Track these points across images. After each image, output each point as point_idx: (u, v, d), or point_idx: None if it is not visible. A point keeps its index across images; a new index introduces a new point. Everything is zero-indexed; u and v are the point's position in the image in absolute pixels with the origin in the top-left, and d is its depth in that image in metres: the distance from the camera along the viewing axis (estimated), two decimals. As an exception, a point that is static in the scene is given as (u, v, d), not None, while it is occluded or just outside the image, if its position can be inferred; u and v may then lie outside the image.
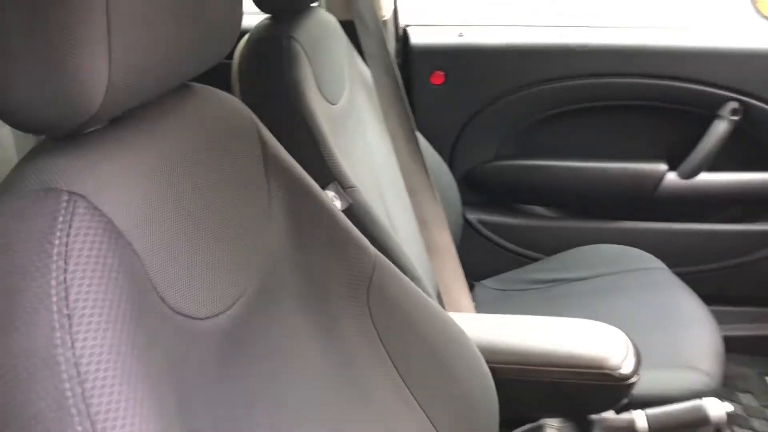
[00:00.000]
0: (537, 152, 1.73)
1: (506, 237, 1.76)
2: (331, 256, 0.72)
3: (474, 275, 1.51)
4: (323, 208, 0.71)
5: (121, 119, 0.48)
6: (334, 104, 1.18)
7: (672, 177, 1.67)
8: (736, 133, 1.63)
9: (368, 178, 1.19)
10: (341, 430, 0.66)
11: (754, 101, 1.60)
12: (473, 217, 1.75)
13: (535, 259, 1.65)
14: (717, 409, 0.99)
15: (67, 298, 0.39)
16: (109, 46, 0.41)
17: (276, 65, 1.05)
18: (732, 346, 1.67)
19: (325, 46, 1.19)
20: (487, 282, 1.59)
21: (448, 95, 1.65)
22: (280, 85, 1.05)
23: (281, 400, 0.61)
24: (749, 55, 1.61)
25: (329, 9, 1.46)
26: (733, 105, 1.60)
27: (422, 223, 1.23)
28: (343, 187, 1.05)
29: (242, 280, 0.59)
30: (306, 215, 0.70)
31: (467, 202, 1.66)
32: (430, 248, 1.24)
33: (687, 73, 1.61)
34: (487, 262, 1.66)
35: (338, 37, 1.29)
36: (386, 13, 1.58)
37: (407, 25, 1.70)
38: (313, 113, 1.04)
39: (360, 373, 0.72)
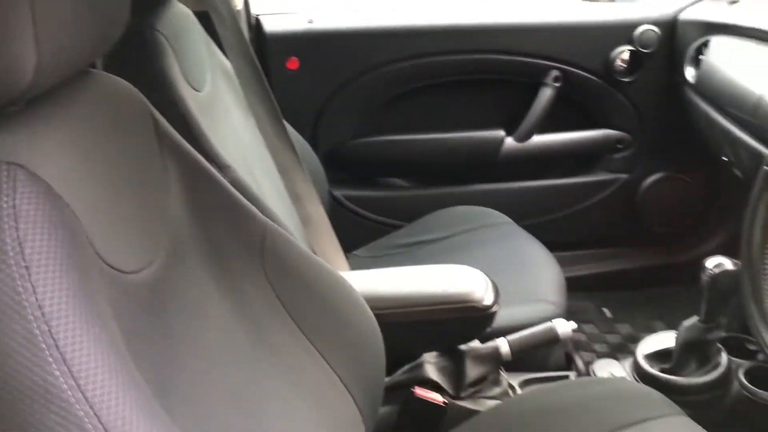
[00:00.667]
0: (392, 128, 1.87)
1: (371, 209, 1.89)
2: (225, 225, 0.79)
3: (345, 248, 1.62)
4: (213, 181, 0.78)
5: (37, 99, 0.54)
6: (199, 91, 1.23)
7: (510, 141, 1.88)
8: (559, 98, 1.85)
9: (239, 160, 1.26)
10: (255, 380, 0.74)
11: (571, 68, 1.83)
12: (339, 193, 1.86)
13: (400, 227, 1.79)
14: (564, 327, 1.17)
15: (22, 252, 0.46)
16: (34, 26, 0.46)
17: (141, 56, 1.10)
18: (573, 286, 1.90)
19: (185, 37, 1.24)
20: (359, 252, 1.70)
21: (304, 79, 1.75)
22: (148, 74, 1.09)
23: (200, 354, 0.67)
24: (566, 28, 1.85)
25: (182, 1, 1.50)
26: (555, 73, 1.82)
27: (296, 198, 1.32)
28: (219, 167, 1.11)
29: (155, 243, 0.65)
30: (199, 188, 0.77)
31: (332, 180, 1.77)
32: (305, 221, 1.33)
33: (515, 47, 1.81)
34: (356, 235, 1.76)
35: (195, 28, 1.34)
36: (238, 4, 1.64)
37: (259, 14, 1.77)
38: (182, 99, 1.10)
39: (264, 329, 0.80)
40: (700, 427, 0.97)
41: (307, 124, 1.77)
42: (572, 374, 1.33)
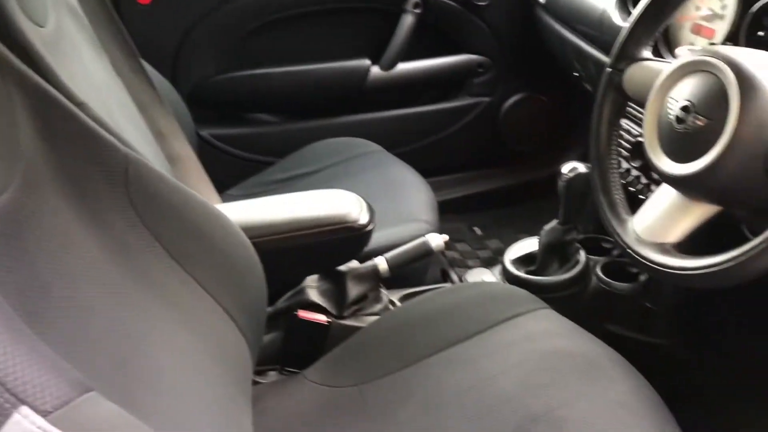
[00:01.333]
0: (256, 62, 1.84)
1: (241, 147, 1.86)
2: (84, 156, 0.76)
3: (218, 189, 1.60)
4: (66, 111, 0.75)
5: None
6: (42, 27, 1.15)
7: (376, 70, 1.90)
8: (421, 25, 1.89)
9: (95, 98, 1.20)
10: (133, 312, 0.73)
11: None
12: (206, 132, 1.82)
13: (272, 163, 1.78)
14: (437, 240, 1.23)
15: None
16: None
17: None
18: (445, 208, 1.98)
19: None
20: (232, 191, 1.69)
21: (158, 14, 1.67)
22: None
23: (70, 284, 0.65)
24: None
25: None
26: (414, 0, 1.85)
27: (159, 136, 1.28)
28: (73, 104, 1.06)
29: (5, 170, 0.62)
30: (50, 118, 0.73)
31: (198, 119, 1.72)
32: (172, 160, 1.29)
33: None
34: (228, 174, 1.74)
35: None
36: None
37: (101, -53, 1.66)
38: (24, 33, 1.03)
39: (137, 261, 0.77)
40: (562, 317, 1.06)
41: (165, 61, 1.71)
42: (448, 286, 1.41)
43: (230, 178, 1.70)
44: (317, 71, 1.87)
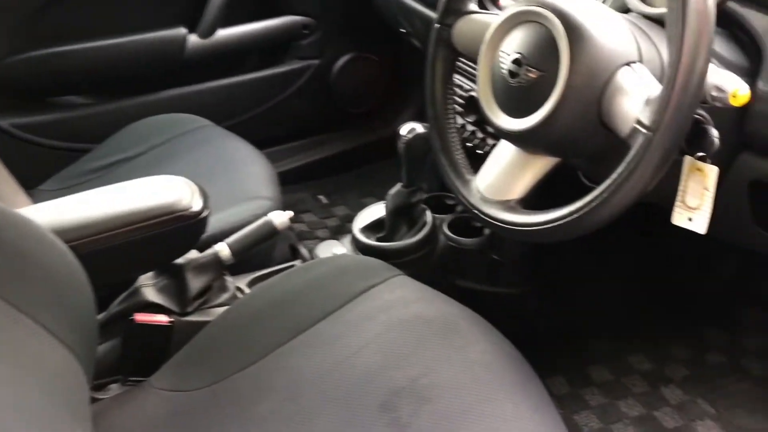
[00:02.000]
0: (56, 39, 1.64)
1: (50, 135, 1.68)
2: None
3: (28, 185, 1.43)
4: None
5: None
6: None
7: (194, 39, 1.77)
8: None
9: None
10: None
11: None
12: (5, 123, 1.61)
13: (89, 150, 1.62)
14: (281, 218, 1.17)
15: None
16: None
17: None
18: (287, 179, 1.92)
19: None
20: (45, 186, 1.52)
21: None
22: None
23: None
24: None
25: None
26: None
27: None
28: None
29: None
30: None
31: (-7, 109, 1.52)
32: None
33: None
34: (38, 168, 1.56)
35: None
36: None
37: None
38: None
39: None
40: (416, 282, 1.05)
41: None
42: (298, 263, 1.36)
43: (41, 172, 1.53)
44: (128, 44, 1.71)
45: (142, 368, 1.00)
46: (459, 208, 1.46)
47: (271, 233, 1.17)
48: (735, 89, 0.68)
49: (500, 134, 0.84)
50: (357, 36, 2.00)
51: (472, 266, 1.36)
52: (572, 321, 1.46)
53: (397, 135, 1.25)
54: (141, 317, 1.02)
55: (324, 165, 2.07)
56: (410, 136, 1.23)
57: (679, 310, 1.51)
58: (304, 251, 1.54)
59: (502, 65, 0.80)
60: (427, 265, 1.31)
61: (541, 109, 0.76)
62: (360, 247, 1.31)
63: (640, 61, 0.75)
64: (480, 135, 1.26)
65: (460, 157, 0.94)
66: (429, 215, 1.33)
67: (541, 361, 1.40)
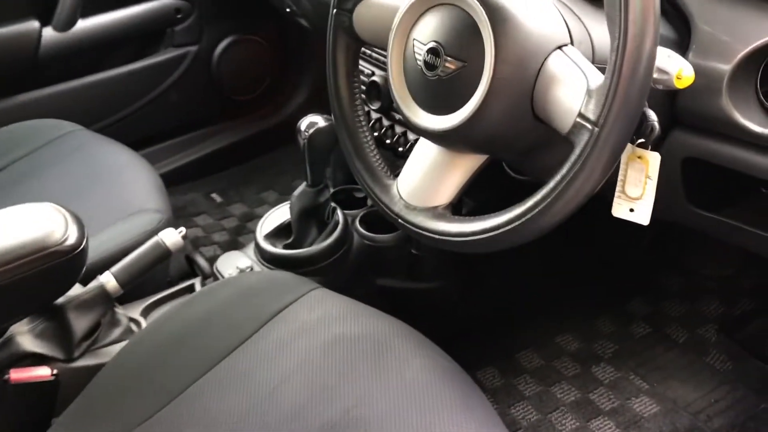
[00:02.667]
0: None
1: None
2: None
3: None
4: None
5: None
6: None
7: (49, 33, 1.57)
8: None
9: None
10: None
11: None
12: None
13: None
14: (172, 237, 1.05)
15: None
16: None
17: None
18: (174, 180, 1.78)
19: None
20: None
21: None
22: None
23: None
24: None
25: None
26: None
27: None
28: None
29: None
30: None
31: None
32: None
33: None
34: None
35: None
36: None
37: None
38: None
39: None
40: (337, 295, 0.97)
41: None
42: (197, 280, 1.24)
43: None
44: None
45: (27, 432, 0.86)
46: (369, 202, 1.37)
47: (163, 256, 1.05)
48: (679, 69, 0.63)
49: (421, 134, 0.75)
50: (238, 17, 1.86)
51: (390, 263, 1.28)
52: (497, 309, 1.42)
53: (296, 129, 1.14)
54: (17, 374, 0.88)
55: (213, 160, 1.93)
56: (312, 131, 1.12)
57: (601, 283, 1.50)
58: (203, 263, 1.41)
59: (417, 56, 0.72)
60: (343, 269, 1.22)
61: (466, 104, 0.68)
62: (266, 257, 1.20)
63: (571, 43, 0.68)
64: (399, 130, 1.18)
65: (375, 159, 0.85)
66: (340, 214, 1.23)
67: (471, 355, 1.36)
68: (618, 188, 0.76)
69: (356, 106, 0.86)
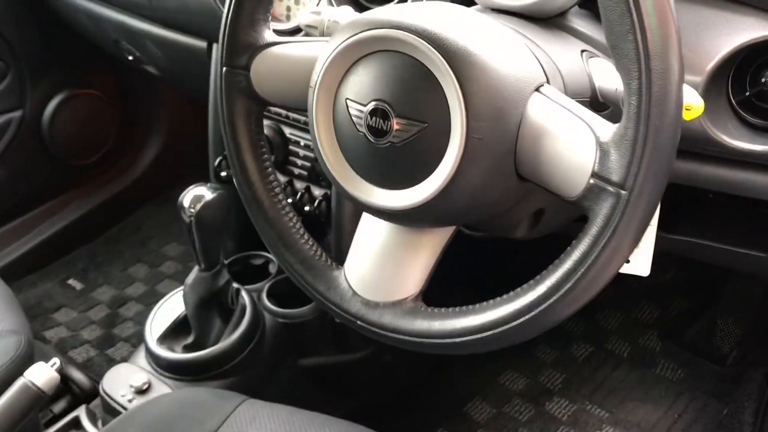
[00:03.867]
0: None
1: None
2: None
3: None
4: None
5: None
6: None
7: None
8: None
9: None
10: None
11: None
12: None
13: None
14: (44, 373, 0.83)
15: None
16: None
17: None
18: (20, 272, 1.53)
19: None
20: None
21: None
22: None
23: None
24: None
25: None
26: None
27: None
28: None
29: None
30: None
31: None
32: None
33: None
34: None
35: None
36: None
37: None
38: None
39: None
40: (267, 404, 0.81)
41: None
42: (81, 411, 1.01)
43: None
44: None
45: None
46: (273, 268, 1.20)
47: (35, 401, 0.83)
48: (688, 102, 0.52)
49: (373, 213, 0.60)
50: (67, 71, 1.60)
51: (312, 338, 1.12)
52: (433, 365, 1.30)
53: (179, 206, 0.95)
54: None
55: (62, 240, 1.67)
56: (198, 207, 0.94)
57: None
58: (80, 379, 1.19)
59: (356, 120, 0.57)
60: (259, 360, 1.05)
61: (433, 174, 0.54)
62: (164, 366, 1.00)
63: (547, 81, 0.56)
64: (317, 193, 1.02)
65: (308, 245, 0.68)
66: (245, 296, 1.06)
67: (416, 419, 1.22)
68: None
69: (270, 182, 0.70)
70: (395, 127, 0.55)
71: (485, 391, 1.28)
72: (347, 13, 0.71)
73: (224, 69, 0.68)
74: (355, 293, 0.64)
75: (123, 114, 1.73)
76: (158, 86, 1.65)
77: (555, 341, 1.36)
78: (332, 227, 1.05)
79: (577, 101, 0.55)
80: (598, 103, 0.64)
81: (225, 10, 0.67)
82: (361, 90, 0.57)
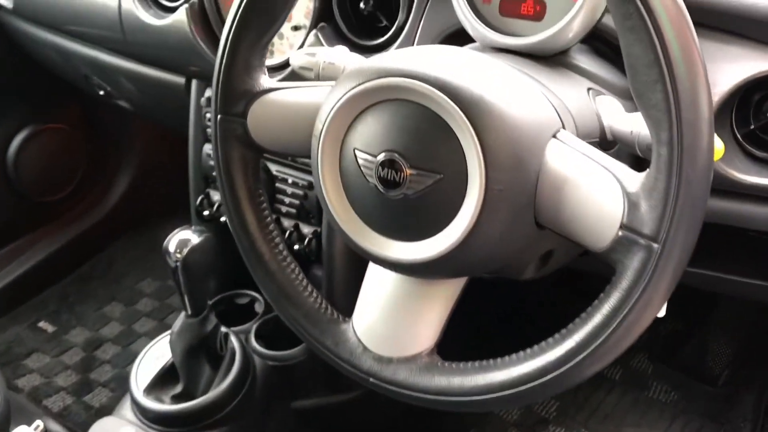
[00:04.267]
0: None
1: None
2: None
3: None
4: None
5: None
6: None
7: None
8: None
9: None
10: None
11: None
12: None
13: None
14: (29, 438, 0.79)
15: None
16: None
17: None
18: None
19: None
20: None
21: None
22: None
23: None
24: None
25: None
26: None
27: None
28: None
29: None
30: None
31: None
32: None
33: None
34: None
35: None
36: None
37: None
38: None
39: None
40: None
41: None
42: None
43: None
44: None
45: None
46: (259, 308, 1.17)
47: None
48: (710, 144, 0.51)
49: (385, 266, 0.58)
50: (33, 105, 1.55)
51: (305, 380, 1.09)
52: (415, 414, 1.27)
53: (165, 251, 0.91)
54: None
55: (31, 280, 1.61)
56: (185, 252, 0.90)
57: (512, 333, 1.40)
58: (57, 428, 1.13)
59: (365, 171, 0.54)
60: (251, 406, 1.01)
61: (450, 226, 0.52)
62: (152, 418, 0.96)
63: (562, 125, 0.55)
64: (307, 231, 0.99)
65: (312, 297, 0.66)
66: (235, 341, 1.02)
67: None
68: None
69: (270, 233, 0.67)
70: (409, 178, 0.53)
71: (480, 423, 1.26)
72: (343, 54, 0.69)
73: (219, 116, 0.65)
74: (365, 348, 0.62)
75: (92, 147, 1.68)
76: (129, 118, 1.61)
77: (546, 367, 1.35)
78: (323, 265, 1.03)
79: (589, 142, 0.54)
80: (607, 142, 0.63)
81: (219, 56, 0.64)
82: (370, 140, 0.54)
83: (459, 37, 0.77)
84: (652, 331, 1.37)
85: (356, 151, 0.55)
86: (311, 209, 1.01)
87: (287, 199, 1.03)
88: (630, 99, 0.69)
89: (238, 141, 0.66)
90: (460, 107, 0.51)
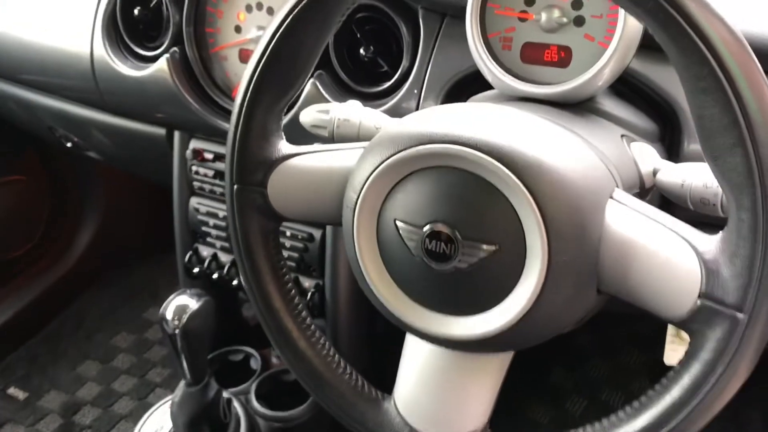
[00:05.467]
0: None
1: None
2: None
3: None
4: None
5: None
6: None
7: None
8: None
9: None
10: None
11: None
12: None
13: None
14: None
15: None
16: None
17: None
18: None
19: None
20: None
21: None
22: None
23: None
24: None
25: None
26: None
27: None
28: None
29: None
30: None
31: None
32: None
33: None
34: None
35: None
36: None
37: None
38: None
39: None
40: None
41: None
42: None
43: None
44: None
45: None
46: (255, 364, 1.12)
47: None
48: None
49: (433, 342, 0.55)
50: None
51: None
52: None
53: (162, 318, 0.86)
54: None
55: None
56: (185, 318, 0.85)
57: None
58: None
59: (409, 243, 0.51)
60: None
61: (510, 299, 0.49)
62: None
63: (618, 184, 0.53)
64: (308, 284, 0.95)
65: (346, 373, 0.61)
66: (239, 407, 0.97)
67: None
68: (670, 330, 0.61)
69: (295, 307, 0.63)
70: (460, 251, 0.50)
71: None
72: (357, 109, 0.66)
73: (236, 187, 0.61)
74: (412, 429, 0.58)
75: (53, 198, 1.60)
76: (92, 166, 1.54)
77: (547, 400, 1.33)
78: (327, 320, 0.98)
79: (632, 194, 0.52)
80: (645, 190, 0.61)
81: (233, 123, 0.60)
82: (414, 211, 0.51)
83: (470, 81, 0.75)
84: (650, 355, 1.37)
85: (397, 222, 0.52)
86: (312, 262, 0.97)
87: (287, 253, 0.98)
88: (658, 142, 0.68)
89: (257, 212, 0.61)
90: (514, 173, 0.48)
